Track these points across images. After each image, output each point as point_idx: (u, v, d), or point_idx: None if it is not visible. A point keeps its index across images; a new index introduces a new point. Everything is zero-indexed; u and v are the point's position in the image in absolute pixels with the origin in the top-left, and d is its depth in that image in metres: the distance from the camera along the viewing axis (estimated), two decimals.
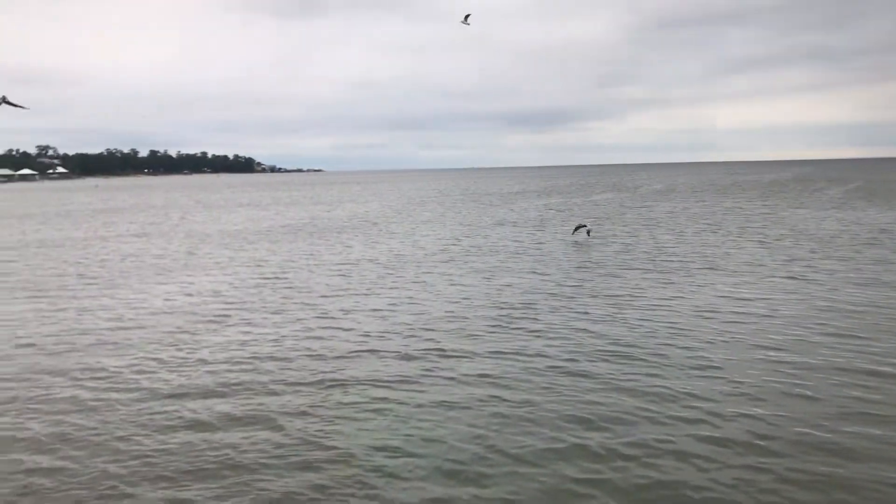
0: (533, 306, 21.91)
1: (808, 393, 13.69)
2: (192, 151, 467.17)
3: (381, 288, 26.03)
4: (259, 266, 32.65)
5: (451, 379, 14.98)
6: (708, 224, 48.13)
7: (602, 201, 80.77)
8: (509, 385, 14.48)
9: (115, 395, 14.47)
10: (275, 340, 18.53)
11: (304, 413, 13.24)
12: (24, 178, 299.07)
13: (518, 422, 12.55)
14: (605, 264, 30.38)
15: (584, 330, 18.84)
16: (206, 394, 14.43)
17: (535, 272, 28.86)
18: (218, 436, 12.29)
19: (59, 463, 11.36)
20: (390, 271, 30.04)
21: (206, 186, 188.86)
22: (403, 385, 14.69)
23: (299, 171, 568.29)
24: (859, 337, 17.47)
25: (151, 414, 13.38)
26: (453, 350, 17.17)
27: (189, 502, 10.04)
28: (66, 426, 12.87)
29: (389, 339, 18.35)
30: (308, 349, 17.60)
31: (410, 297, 23.97)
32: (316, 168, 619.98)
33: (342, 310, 22.10)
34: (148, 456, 11.53)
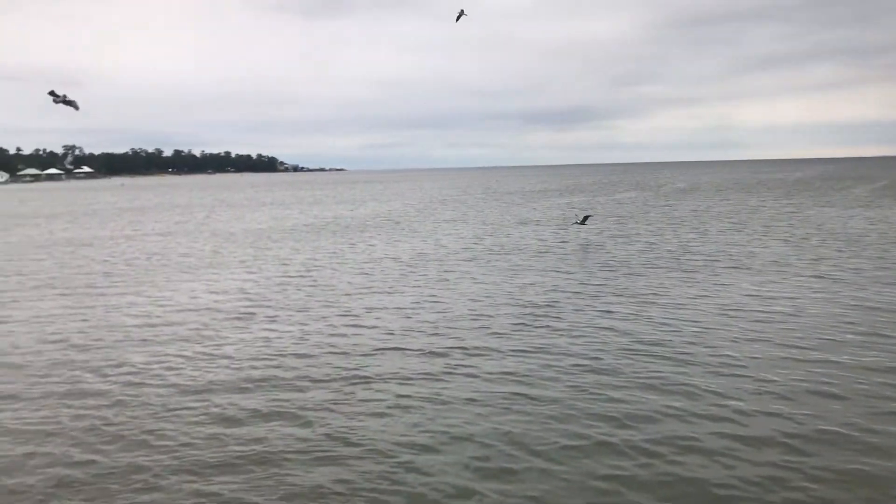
0: (556, 305, 21.88)
1: (836, 391, 13.56)
2: (215, 151, 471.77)
3: (405, 286, 26.13)
4: (283, 265, 32.90)
5: (475, 377, 15.02)
6: (733, 223, 47.71)
7: (625, 200, 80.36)
8: (534, 383, 14.49)
9: (142, 390, 14.69)
10: (299, 338, 18.68)
11: (328, 409, 13.35)
12: (50, 177, 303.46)
13: (542, 419, 12.56)
14: (629, 263, 30.24)
15: (609, 328, 18.79)
16: (233, 389, 14.60)
17: (558, 271, 28.81)
18: (244, 430, 12.43)
19: (90, 456, 11.55)
20: (413, 270, 30.14)
21: (230, 186, 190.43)
22: (428, 382, 14.75)
23: (322, 170, 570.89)
24: (887, 336, 17.27)
25: (179, 408, 13.56)
26: (477, 348, 17.21)
27: (216, 495, 10.17)
28: (96, 420, 13.09)
29: (413, 337, 18.42)
30: (332, 346, 17.73)
31: (433, 296, 24.03)
32: (338, 167, 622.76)
33: (366, 308, 22.21)
34: (175, 449, 11.69)
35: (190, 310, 22.66)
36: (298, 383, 14.87)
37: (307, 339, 18.44)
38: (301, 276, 29.01)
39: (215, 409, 13.46)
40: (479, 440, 11.73)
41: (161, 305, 23.52)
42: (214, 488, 10.35)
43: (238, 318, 21.18)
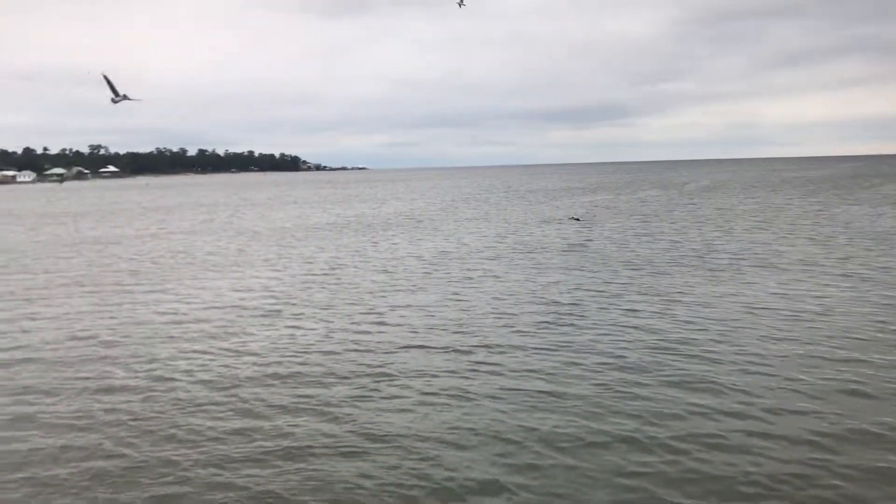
0: (581, 303, 21.83)
1: (865, 390, 13.43)
2: (239, 150, 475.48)
3: (428, 285, 26.19)
4: (307, 263, 33.11)
5: (500, 374, 15.04)
6: (758, 221, 47.24)
7: (648, 198, 79.81)
8: (558, 380, 14.48)
9: (171, 385, 14.88)
10: (324, 335, 18.80)
11: (354, 405, 13.43)
12: (77, 176, 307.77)
13: (568, 416, 12.56)
14: (653, 262, 30.08)
15: (634, 326, 18.72)
16: (259, 385, 14.75)
17: (581, 269, 28.72)
18: (271, 425, 12.56)
19: (121, 449, 11.75)
20: (436, 268, 30.19)
21: (254, 185, 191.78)
22: (452, 379, 14.80)
23: (344, 169, 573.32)
24: None
25: (206, 403, 13.72)
26: (501, 345, 17.23)
27: (243, 489, 10.28)
28: (126, 414, 13.29)
29: (437, 335, 18.47)
30: (357, 343, 17.83)
31: (456, 294, 24.07)
32: (360, 166, 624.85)
33: (389, 306, 22.30)
34: (203, 443, 11.84)
35: (216, 307, 22.88)
36: (324, 379, 14.98)
37: (332, 337, 18.56)
38: (325, 275, 29.18)
39: (242, 405, 13.60)
40: (504, 436, 11.75)
41: (188, 303, 23.78)
42: (242, 482, 10.47)
43: (264, 316, 21.36)
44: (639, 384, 14.05)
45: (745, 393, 13.42)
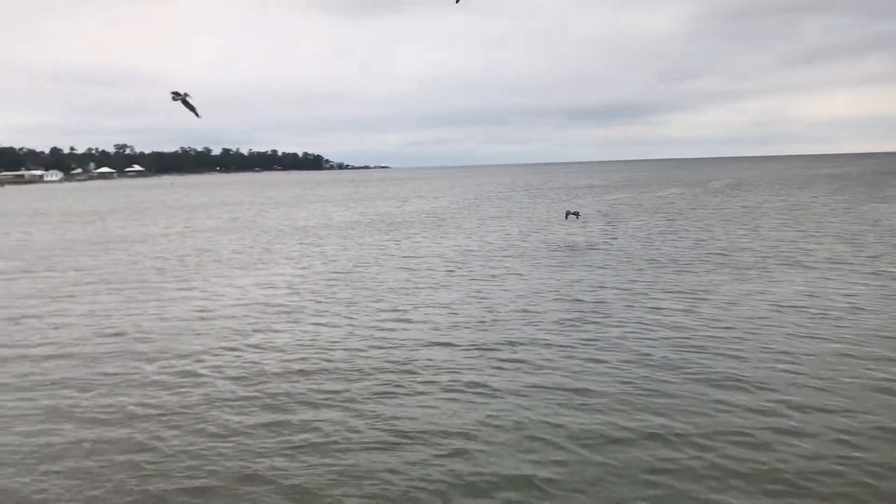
0: (605, 301, 21.75)
1: (894, 387, 13.27)
2: (262, 150, 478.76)
3: (451, 282, 26.25)
4: (331, 261, 33.31)
5: (524, 371, 15.05)
6: (784, 219, 46.73)
7: (672, 196, 79.23)
8: (583, 377, 14.47)
9: (198, 380, 15.08)
10: (349, 332, 18.92)
11: (379, 400, 13.52)
12: (102, 175, 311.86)
13: (593, 411, 12.55)
14: (678, 260, 29.88)
15: (660, 324, 18.63)
16: (284, 379, 14.90)
17: (606, 267, 28.61)
18: (297, 418, 12.69)
19: (151, 442, 11.96)
20: (459, 266, 30.24)
21: (277, 183, 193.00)
22: (476, 374, 14.84)
23: (366, 167, 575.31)
24: None
25: (233, 398, 13.89)
26: (525, 342, 17.23)
27: (271, 481, 10.42)
28: (155, 408, 13.49)
29: (460, 332, 18.51)
30: (381, 340, 17.93)
31: (479, 292, 24.09)
32: (383, 165, 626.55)
33: (412, 304, 22.37)
34: (230, 436, 12.00)
35: (242, 304, 23.09)
36: (349, 375, 15.09)
37: (356, 334, 18.67)
38: (348, 273, 29.33)
39: (269, 400, 13.75)
40: (530, 432, 11.78)
41: (214, 300, 24.03)
42: (270, 475, 10.60)
43: (288, 313, 21.53)
44: (665, 381, 14.00)
45: (773, 390, 13.33)
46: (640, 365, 15.09)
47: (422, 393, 13.85)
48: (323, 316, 20.99)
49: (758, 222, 45.26)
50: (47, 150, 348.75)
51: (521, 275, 27.40)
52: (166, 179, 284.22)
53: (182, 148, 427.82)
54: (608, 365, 15.18)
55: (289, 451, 11.37)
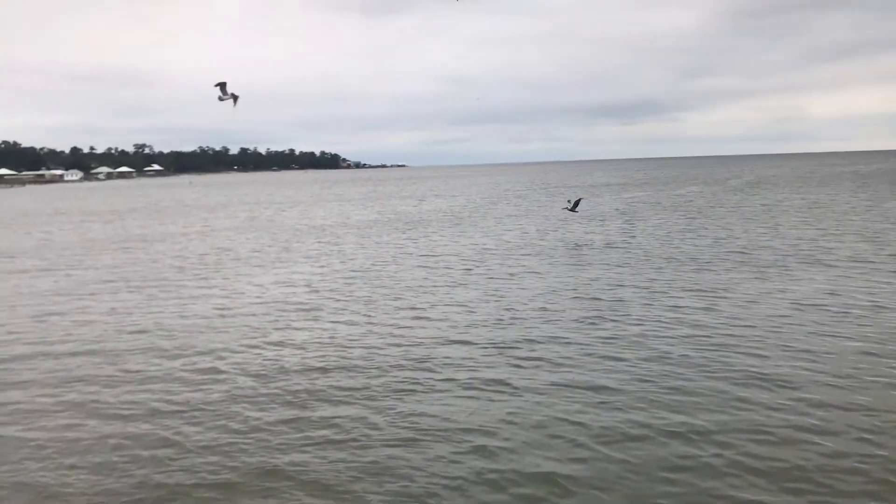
0: (623, 300, 21.69)
1: None
2: (279, 149, 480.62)
3: (468, 281, 26.28)
4: (349, 259, 33.45)
5: (543, 368, 15.07)
6: (804, 217, 46.34)
7: (691, 194, 78.72)
8: (602, 374, 14.47)
9: (218, 377, 15.23)
10: (367, 329, 19.02)
11: (398, 397, 13.59)
12: (122, 175, 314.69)
13: (612, 409, 12.55)
14: (697, 258, 29.72)
15: (679, 321, 18.57)
16: (304, 376, 15.01)
17: (624, 265, 28.53)
18: (316, 414, 12.79)
19: (174, 437, 12.10)
20: (477, 265, 30.26)
21: (294, 182, 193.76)
22: (495, 372, 14.88)
23: (383, 166, 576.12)
24: None
25: (253, 395, 14.01)
26: (543, 339, 17.24)
27: (291, 475, 10.51)
28: (178, 404, 13.65)
29: (478, 330, 18.55)
30: (399, 337, 18.01)
31: (497, 290, 24.11)
32: (399, 163, 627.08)
33: (430, 302, 22.42)
34: (251, 432, 12.12)
35: (261, 302, 23.26)
36: (368, 372, 15.18)
37: (374, 331, 18.76)
38: (367, 271, 29.45)
39: (289, 396, 13.87)
40: (549, 429, 11.80)
41: (233, 298, 24.22)
42: (291, 470, 10.70)
43: (307, 311, 21.67)
44: (685, 378, 13.97)
45: (794, 388, 13.26)
46: (659, 363, 15.06)
47: (441, 390, 13.91)
48: (342, 314, 21.10)
49: (777, 220, 44.92)
50: (67, 150, 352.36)
51: (538, 273, 27.38)
52: (185, 178, 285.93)
53: (200, 147, 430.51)
54: (627, 363, 15.15)
55: (309, 447, 11.46)
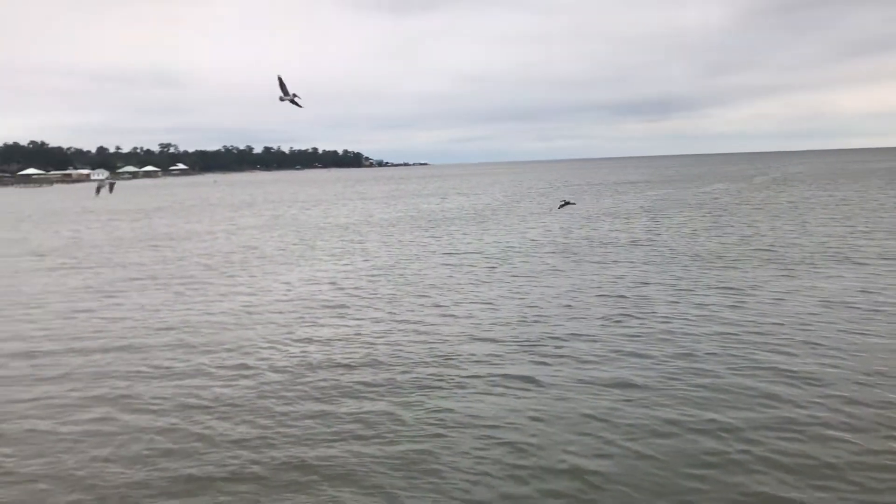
0: (649, 297, 21.60)
1: None
2: (303, 147, 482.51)
3: (492, 279, 26.30)
4: (373, 257, 33.59)
5: (567, 365, 15.06)
6: (832, 215, 45.76)
7: (717, 191, 77.99)
8: (628, 370, 14.43)
9: (246, 372, 15.41)
10: (391, 326, 19.12)
11: (423, 392, 13.67)
12: (147, 174, 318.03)
13: (639, 405, 12.53)
14: (724, 256, 29.49)
15: (706, 319, 18.48)
16: (330, 372, 15.15)
17: (650, 263, 28.39)
18: (343, 409, 12.90)
19: (202, 430, 12.28)
20: (501, 262, 30.27)
21: (317, 181, 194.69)
22: (519, 368, 14.90)
23: (406, 164, 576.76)
24: None
25: (281, 389, 14.17)
26: (568, 337, 17.22)
27: (318, 468, 10.63)
28: (204, 398, 13.83)
29: (502, 327, 18.57)
30: (423, 334, 18.09)
31: (521, 287, 24.11)
32: (422, 162, 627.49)
33: (454, 300, 22.47)
34: (278, 425, 12.26)
35: (286, 300, 23.46)
36: (393, 368, 15.27)
37: (399, 328, 18.85)
38: (390, 268, 29.58)
39: (315, 391, 14.00)
40: (574, 424, 11.82)
41: (259, 296, 24.44)
42: (317, 463, 10.83)
43: (332, 308, 21.82)
44: (712, 375, 13.90)
45: (823, 385, 13.14)
46: (686, 360, 14.99)
47: (467, 386, 13.96)
48: (366, 311, 21.22)
49: (805, 218, 44.41)
50: (94, 150, 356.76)
51: (563, 271, 27.32)
52: (209, 177, 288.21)
53: (224, 146, 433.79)
54: (654, 360, 15.10)
55: (336, 442, 11.56)
